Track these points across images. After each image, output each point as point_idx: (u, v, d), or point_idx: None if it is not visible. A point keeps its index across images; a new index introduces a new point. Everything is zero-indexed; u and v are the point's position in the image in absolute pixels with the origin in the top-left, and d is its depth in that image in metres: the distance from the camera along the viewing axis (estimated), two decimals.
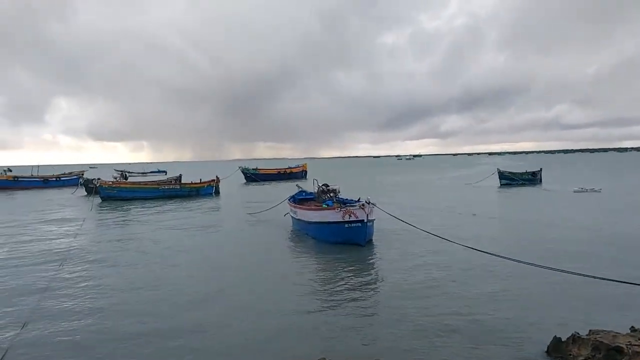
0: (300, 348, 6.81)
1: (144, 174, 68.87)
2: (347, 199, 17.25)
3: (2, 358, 6.49)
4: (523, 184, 37.43)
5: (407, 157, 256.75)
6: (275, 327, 7.64)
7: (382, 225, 15.75)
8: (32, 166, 56.75)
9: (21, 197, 37.35)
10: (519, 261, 9.67)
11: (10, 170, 51.43)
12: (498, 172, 38.71)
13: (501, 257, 10.11)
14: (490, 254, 10.56)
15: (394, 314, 8.04)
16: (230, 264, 12.25)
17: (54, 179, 50.64)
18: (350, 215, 13.81)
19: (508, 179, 38.30)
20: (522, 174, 39.50)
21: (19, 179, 47.98)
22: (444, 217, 19.60)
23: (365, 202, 13.81)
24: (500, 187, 36.21)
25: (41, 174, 53.34)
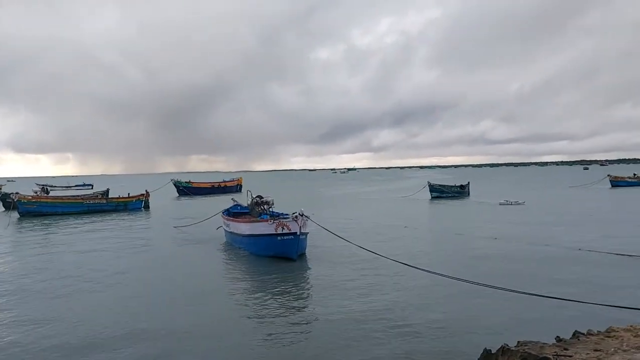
0: None
1: (67, 187, 65.56)
2: (280, 213, 17.01)
3: None
4: (453, 197, 38.71)
5: (342, 170, 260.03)
6: (205, 347, 7.24)
7: (315, 239, 15.62)
8: None
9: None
10: (448, 277, 9.80)
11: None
12: (429, 185, 39.83)
13: (431, 272, 10.20)
14: (420, 269, 10.64)
15: (323, 330, 7.86)
16: (159, 284, 11.62)
17: None
18: (283, 228, 13.56)
19: (438, 192, 39.48)
20: (451, 187, 40.88)
21: None
22: (376, 229, 19.76)
23: (299, 214, 13.57)
24: (431, 199, 37.22)
25: None
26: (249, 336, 7.67)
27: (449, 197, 38.84)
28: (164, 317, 8.67)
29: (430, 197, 38.58)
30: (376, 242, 15.91)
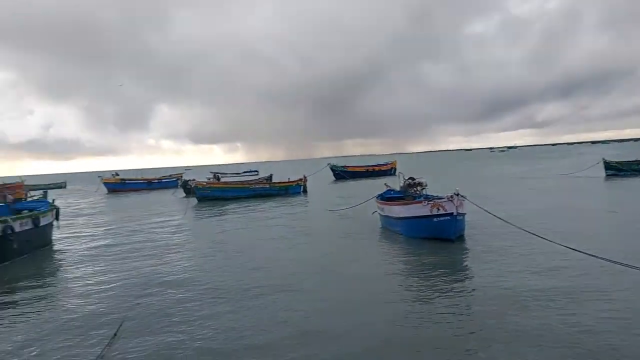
0: (384, 353, 6.48)
1: (236, 174, 71.49)
2: (435, 195, 16.64)
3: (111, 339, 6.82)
4: (633, 175, 34.35)
5: (501, 149, 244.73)
6: (362, 330, 7.40)
7: (473, 221, 15.02)
8: (138, 170, 60.83)
9: (129, 198, 40.13)
10: (632, 267, 8.72)
11: (118, 174, 55.44)
12: (604, 162, 35.81)
13: (618, 263, 9.09)
14: (602, 258, 9.47)
15: (483, 314, 7.53)
16: (317, 261, 12.22)
17: (157, 181, 53.96)
18: (438, 209, 13.32)
19: (615, 170, 35.30)
20: (631, 163, 36.24)
21: (127, 182, 51.68)
22: (541, 211, 18.37)
23: (454, 194, 13.20)
24: (606, 178, 33.51)
25: (145, 176, 57.03)
26: (406, 319, 7.67)
27: (628, 175, 34.54)
28: (321, 298, 9.05)
29: (604, 175, 34.73)
30: (541, 224, 14.79)
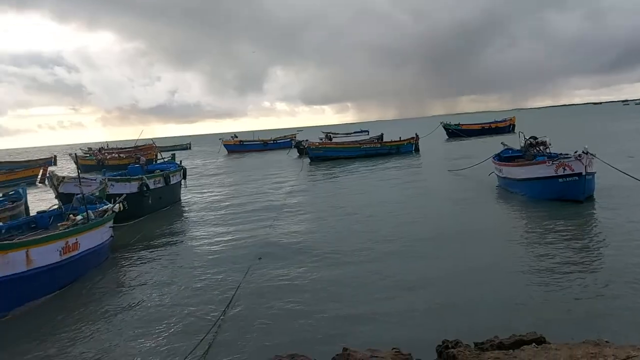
0: (513, 321, 5.99)
1: (347, 134, 71.94)
2: (559, 153, 15.51)
3: (231, 299, 7.34)
4: None
5: (637, 101, 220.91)
6: (483, 292, 7.19)
7: (604, 180, 13.82)
8: (254, 131, 63.53)
9: (247, 159, 42.23)
10: None
11: (237, 136, 58.32)
12: None
13: None
14: None
15: (619, 284, 6.96)
16: (434, 222, 12.05)
17: (272, 142, 56.02)
18: (564, 169, 12.45)
19: None
20: None
21: (244, 143, 54.31)
22: None
23: (583, 152, 12.23)
24: None
25: (261, 138, 59.48)
26: (529, 286, 7.33)
27: None
28: (443, 266, 8.87)
29: None
30: None
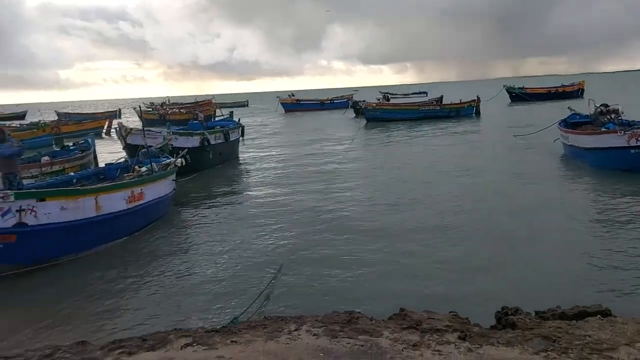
0: (577, 294, 5.71)
1: (405, 95, 70.55)
2: (633, 121, 14.59)
3: (279, 269, 7.48)
4: None
5: None
6: (545, 263, 7.00)
7: None
8: (310, 90, 63.31)
9: (303, 118, 42.31)
10: None
11: (294, 95, 58.36)
12: None
13: None
14: None
15: None
16: (496, 190, 11.74)
17: (329, 101, 55.74)
18: (637, 139, 11.77)
19: None
20: None
21: (301, 102, 54.36)
22: None
23: None
24: None
25: (318, 97, 59.29)
26: (594, 259, 7.05)
27: None
28: (505, 231, 8.67)
29: None
30: None
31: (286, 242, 8.44)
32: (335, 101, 56.01)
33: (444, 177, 13.52)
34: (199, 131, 16.52)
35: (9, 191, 7.64)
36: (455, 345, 3.56)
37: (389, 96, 45.68)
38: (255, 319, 4.91)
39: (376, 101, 39.11)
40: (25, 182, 10.05)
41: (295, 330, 3.94)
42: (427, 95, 63.53)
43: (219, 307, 6.11)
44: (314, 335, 3.80)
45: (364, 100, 37.31)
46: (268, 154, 20.46)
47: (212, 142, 16.31)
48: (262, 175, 15.33)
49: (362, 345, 3.59)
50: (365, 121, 33.06)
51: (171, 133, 15.17)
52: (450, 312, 4.37)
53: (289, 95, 57.56)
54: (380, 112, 33.67)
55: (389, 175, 14.34)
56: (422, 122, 30.97)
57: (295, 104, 53.88)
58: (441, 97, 42.73)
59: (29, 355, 4.32)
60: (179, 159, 11.74)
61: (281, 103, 54.41)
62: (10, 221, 7.30)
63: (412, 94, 76.41)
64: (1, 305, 6.63)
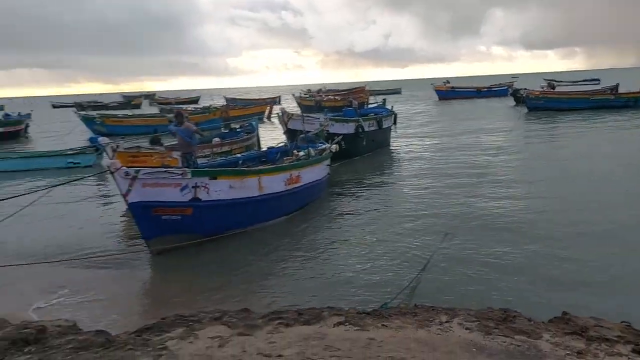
0: None
1: (574, 83, 64.54)
2: None
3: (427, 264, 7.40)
4: None
5: None
6: None
7: None
8: (466, 77, 60.92)
9: (459, 106, 40.93)
10: None
11: (449, 82, 56.69)
12: None
13: None
14: None
15: None
16: None
17: (486, 89, 53.24)
18: None
19: None
20: None
21: (457, 90, 52.65)
22: None
23: None
24: None
25: (474, 84, 56.89)
26: None
27: None
28: None
29: None
30: None
31: (434, 235, 8.26)
32: (493, 89, 53.31)
33: (624, 177, 12.13)
34: (354, 118, 16.89)
35: (187, 169, 8.58)
36: (629, 358, 3.23)
37: (555, 84, 42.09)
38: (404, 306, 4.94)
39: (540, 89, 36.35)
40: (198, 161, 11.20)
41: (446, 322, 3.90)
42: (599, 83, 57.47)
43: (369, 290, 6.26)
44: (467, 329, 3.73)
45: (525, 88, 34.91)
46: (419, 143, 20.17)
47: (366, 129, 16.59)
48: (413, 165, 15.19)
49: (518, 346, 3.44)
50: (526, 110, 30.94)
51: (328, 119, 15.72)
52: (622, 321, 3.97)
53: (443, 83, 56.00)
54: (544, 101, 31.23)
55: (552, 171, 13.23)
56: (593, 112, 28.12)
57: (450, 92, 52.29)
58: (616, 85, 38.29)
59: (202, 316, 4.87)
60: (334, 145, 12.14)
61: (435, 90, 53.18)
62: (187, 196, 8.19)
63: (582, 81, 69.72)
64: (178, 271, 7.54)
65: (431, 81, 65.07)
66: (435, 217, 9.43)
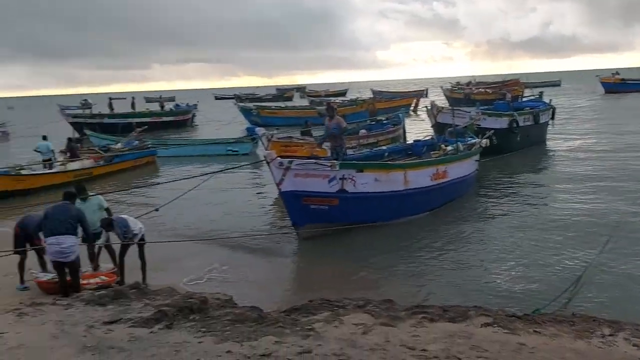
0: None
1: None
2: None
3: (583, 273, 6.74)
4: None
5: None
6: None
7: None
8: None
9: (629, 101, 36.60)
10: None
11: (619, 74, 50.98)
12: None
13: None
14: None
15: None
16: None
17: None
18: None
19: None
20: None
21: (628, 82, 47.12)
22: None
23: None
24: None
25: None
26: None
27: None
28: None
29: None
30: None
31: (592, 244, 7.45)
32: None
33: None
34: (508, 112, 15.98)
35: (335, 161, 8.84)
36: None
37: None
38: (560, 314, 4.61)
39: None
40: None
41: (610, 335, 3.58)
42: None
43: (518, 294, 5.96)
44: (634, 345, 3.38)
45: None
46: (580, 141, 18.29)
47: (521, 124, 15.59)
48: (571, 166, 13.88)
49: None
50: None
51: (480, 113, 15.07)
52: None
53: (612, 74, 50.49)
54: None
55: None
56: None
57: (619, 84, 46.90)
58: None
59: (346, 303, 5.03)
60: (485, 140, 11.64)
61: (601, 82, 48.14)
62: (334, 187, 8.44)
63: None
64: (323, 257, 7.86)
65: (596, 72, 59.10)
66: (594, 225, 8.51)
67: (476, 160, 11.34)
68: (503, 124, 15.19)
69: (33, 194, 12.35)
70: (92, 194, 7.01)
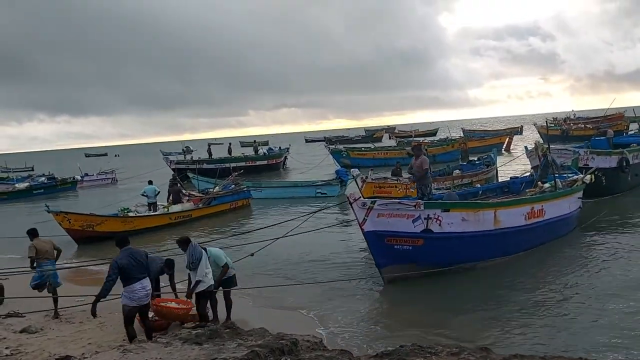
0: None
1: None
2: None
3: None
4: None
5: None
6: None
7: None
8: None
9: None
10: None
11: None
12: None
13: None
14: None
15: None
16: None
17: None
18: None
19: None
20: None
21: None
22: None
23: None
24: None
25: None
26: None
27: None
28: None
29: None
30: None
31: None
32: None
33: None
34: (617, 150, 14.73)
35: (420, 201, 8.63)
36: None
37: None
38: None
39: None
40: (438, 192, 11.19)
41: None
42: None
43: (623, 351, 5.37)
44: None
45: None
46: None
47: (631, 162, 14.29)
48: None
49: None
50: None
51: (588, 152, 13.95)
52: None
53: None
54: None
55: None
56: None
57: None
58: None
59: (439, 350, 4.80)
60: (588, 175, 10.89)
61: None
62: (419, 227, 8.16)
63: None
64: (410, 301, 7.58)
65: None
66: None
67: (579, 198, 10.59)
68: (612, 162, 13.92)
69: (138, 234, 13.08)
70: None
